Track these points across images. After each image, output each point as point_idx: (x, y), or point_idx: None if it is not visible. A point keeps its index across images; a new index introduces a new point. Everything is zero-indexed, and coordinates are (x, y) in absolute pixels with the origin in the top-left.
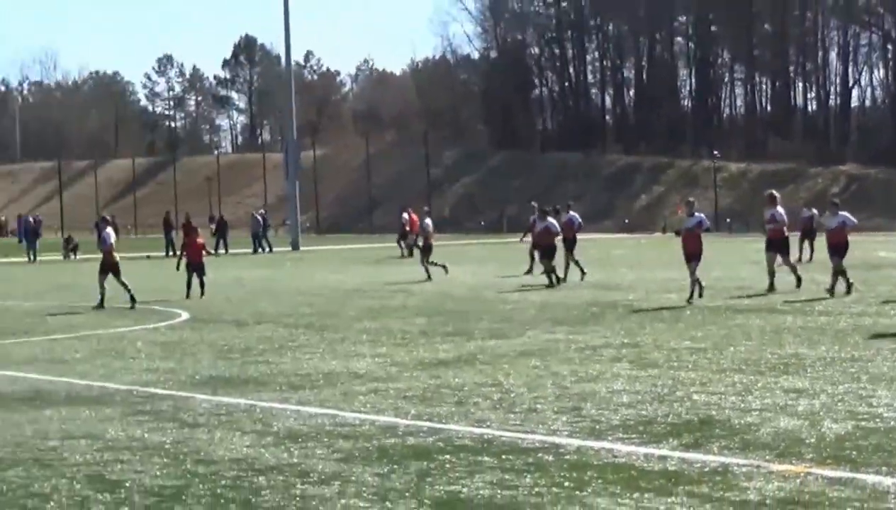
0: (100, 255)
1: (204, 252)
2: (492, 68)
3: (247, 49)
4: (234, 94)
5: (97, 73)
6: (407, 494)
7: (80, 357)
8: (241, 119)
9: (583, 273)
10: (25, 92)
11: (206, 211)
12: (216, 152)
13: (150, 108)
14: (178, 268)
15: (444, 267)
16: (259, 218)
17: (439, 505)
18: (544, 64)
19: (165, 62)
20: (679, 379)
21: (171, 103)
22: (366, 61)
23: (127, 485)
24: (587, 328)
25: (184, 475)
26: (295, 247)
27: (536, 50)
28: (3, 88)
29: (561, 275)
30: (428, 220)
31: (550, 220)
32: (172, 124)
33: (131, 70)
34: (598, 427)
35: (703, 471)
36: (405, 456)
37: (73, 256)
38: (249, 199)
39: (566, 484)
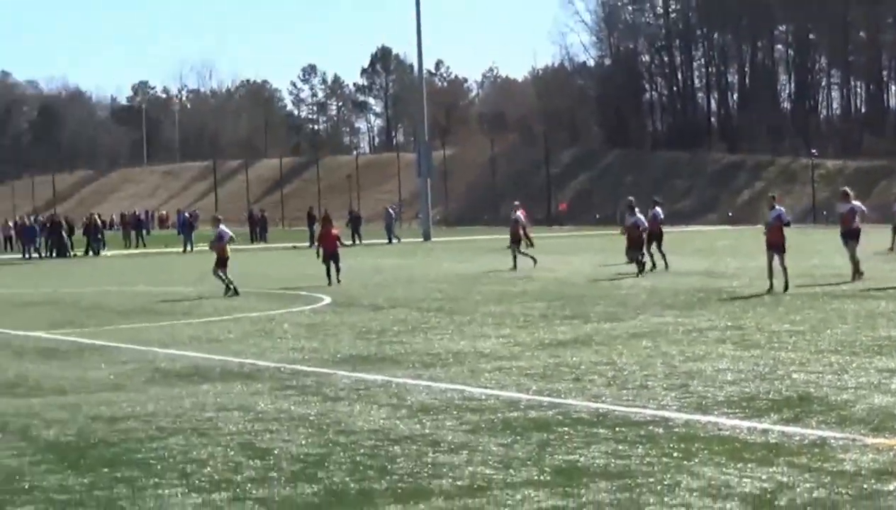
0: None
1: (338, 243)
2: (606, 74)
3: (383, 59)
4: (371, 100)
5: (248, 81)
6: (529, 462)
7: (233, 337)
8: (377, 122)
9: (666, 265)
10: (184, 99)
11: (346, 206)
12: (355, 153)
13: (296, 112)
14: (318, 256)
15: (533, 259)
16: (391, 211)
17: (558, 472)
18: (654, 70)
19: (310, 71)
20: (779, 359)
21: (315, 108)
22: (491, 69)
23: (275, 452)
24: (694, 312)
25: (326, 444)
26: (426, 237)
27: (647, 57)
28: (164, 96)
29: (648, 264)
30: (519, 213)
31: (638, 215)
32: (316, 127)
33: (279, 78)
34: (704, 402)
35: (802, 444)
36: (527, 428)
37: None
38: (385, 195)
39: (675, 454)
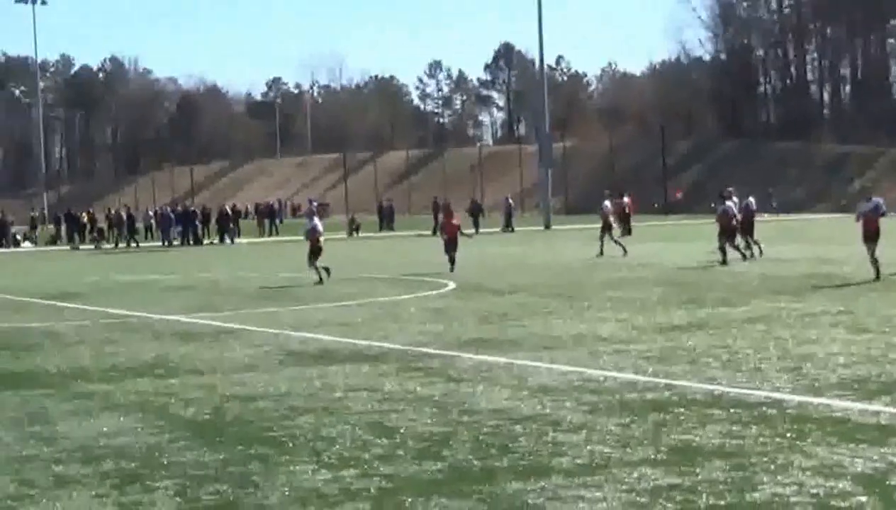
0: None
1: (459, 232)
2: (721, 68)
3: (505, 54)
4: (494, 94)
5: (376, 76)
6: (645, 442)
7: (361, 321)
8: (500, 115)
9: (760, 251)
10: (315, 93)
11: (469, 196)
12: (478, 145)
13: (422, 106)
14: (440, 238)
15: (623, 248)
16: (510, 201)
17: (674, 451)
18: (768, 64)
19: (435, 67)
20: (891, 343)
21: (440, 102)
22: (609, 64)
23: (401, 431)
24: (806, 297)
25: (450, 423)
26: (547, 226)
27: (761, 52)
28: (296, 91)
29: (746, 252)
30: (607, 202)
31: (728, 203)
32: (441, 120)
33: (406, 74)
34: (816, 385)
35: None
36: (644, 408)
37: (355, 234)
38: (507, 185)
39: (788, 435)
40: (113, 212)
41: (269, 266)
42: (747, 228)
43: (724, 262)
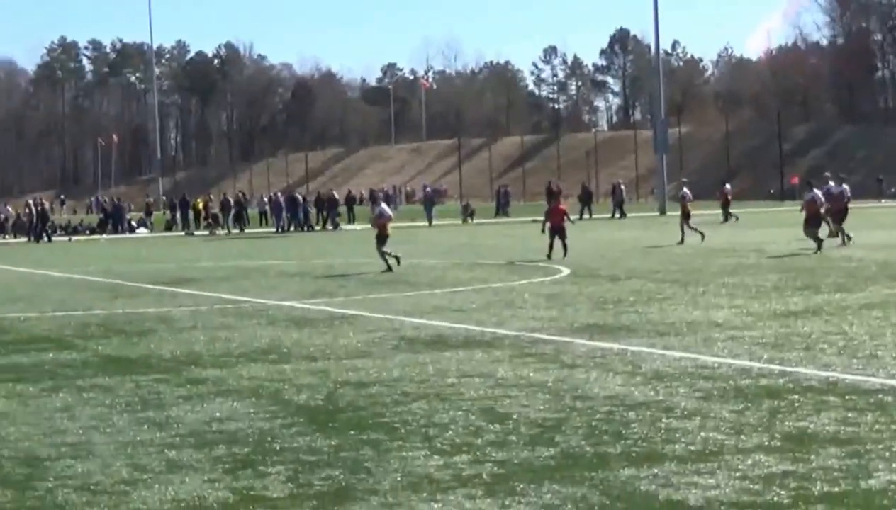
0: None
1: (565, 218)
2: (839, 53)
3: (621, 40)
4: (609, 79)
5: (492, 62)
6: (759, 428)
7: (475, 307)
8: (615, 101)
9: (849, 238)
10: (430, 79)
11: (584, 182)
12: (594, 130)
13: (537, 92)
14: (542, 231)
15: (701, 234)
16: (622, 187)
17: (788, 438)
18: (886, 48)
19: (550, 52)
20: None
21: (555, 88)
22: (725, 49)
23: (514, 417)
24: None
25: (563, 409)
26: (662, 212)
27: (879, 36)
28: (411, 77)
29: (837, 240)
30: (685, 190)
31: (816, 191)
32: (556, 106)
33: (521, 59)
34: None
35: None
36: (758, 395)
37: (470, 220)
38: (622, 171)
39: None
40: (224, 198)
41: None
42: (841, 215)
43: (818, 249)
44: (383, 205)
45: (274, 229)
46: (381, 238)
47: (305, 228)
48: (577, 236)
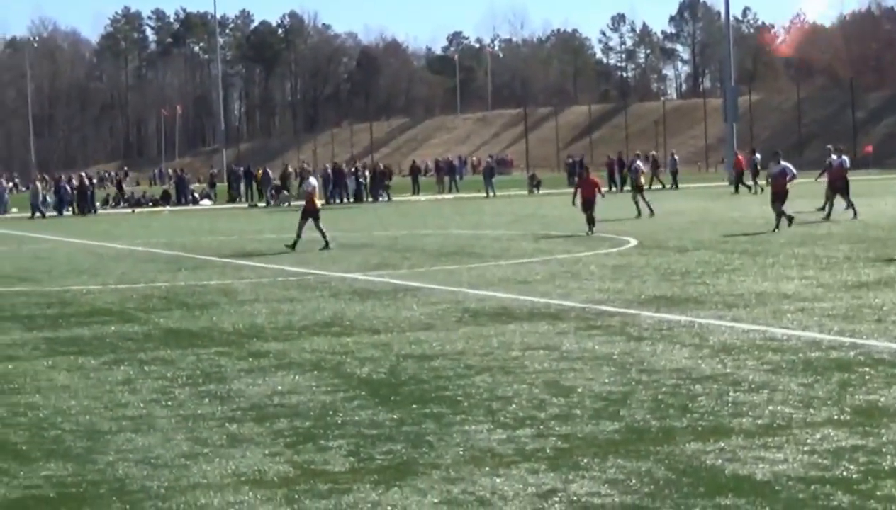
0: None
1: (598, 191)
2: None
3: (691, 6)
4: (678, 47)
5: (559, 30)
6: (829, 402)
7: (540, 278)
8: (684, 69)
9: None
10: (496, 48)
11: (652, 151)
12: (662, 99)
13: (605, 60)
14: (573, 203)
15: (651, 210)
16: (675, 158)
17: (858, 412)
18: None
19: (618, 20)
20: None
21: (623, 56)
22: (798, 15)
23: (578, 390)
24: None
25: (629, 382)
26: (731, 181)
27: None
28: (477, 45)
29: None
30: (639, 163)
31: (785, 163)
32: (624, 74)
33: (588, 27)
34: None
35: None
36: (828, 368)
37: (536, 191)
38: (692, 140)
39: None
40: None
41: (448, 223)
42: (840, 188)
43: (776, 227)
44: (312, 179)
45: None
46: (309, 213)
47: (352, 199)
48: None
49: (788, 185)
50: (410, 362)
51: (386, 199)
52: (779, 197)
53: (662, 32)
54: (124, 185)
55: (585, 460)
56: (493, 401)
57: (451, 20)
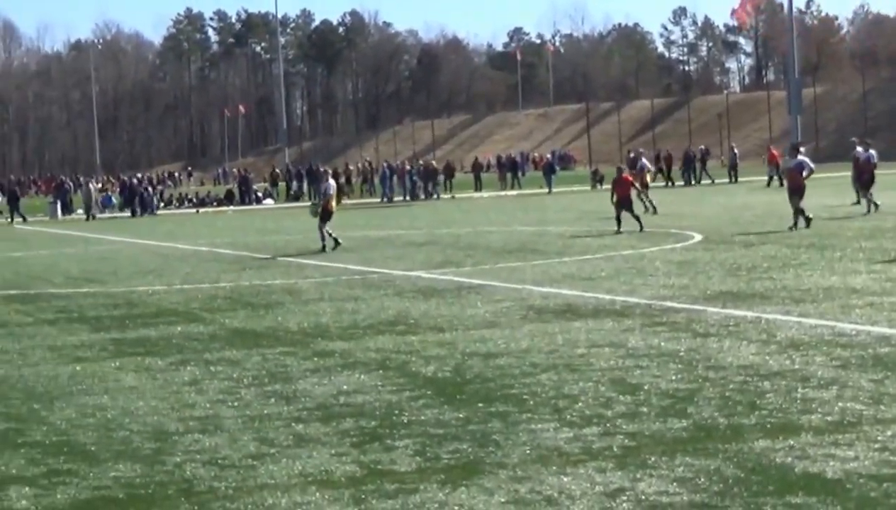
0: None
1: (633, 188)
2: None
3: None
4: (741, 40)
5: (620, 24)
6: None
7: (605, 275)
8: (747, 61)
9: (876, 206)
10: (557, 43)
11: (717, 145)
12: (725, 92)
13: (667, 54)
14: (612, 201)
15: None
16: (736, 151)
17: None
18: None
19: (680, 13)
20: None
21: (685, 49)
22: (862, 6)
23: (645, 387)
24: None
25: (696, 379)
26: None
27: None
28: (538, 41)
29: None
30: (644, 160)
31: (872, 151)
32: (686, 68)
33: (650, 21)
34: None
35: None
36: None
37: (599, 186)
38: (756, 133)
39: None
40: (346, 167)
41: (511, 220)
42: (867, 182)
43: (794, 226)
44: (331, 181)
45: (397, 198)
46: (326, 214)
47: (409, 198)
48: (714, 200)
49: (806, 181)
50: (476, 360)
51: (436, 197)
52: (796, 192)
53: (724, 25)
54: (188, 184)
55: (653, 459)
56: (559, 400)
57: (512, 16)
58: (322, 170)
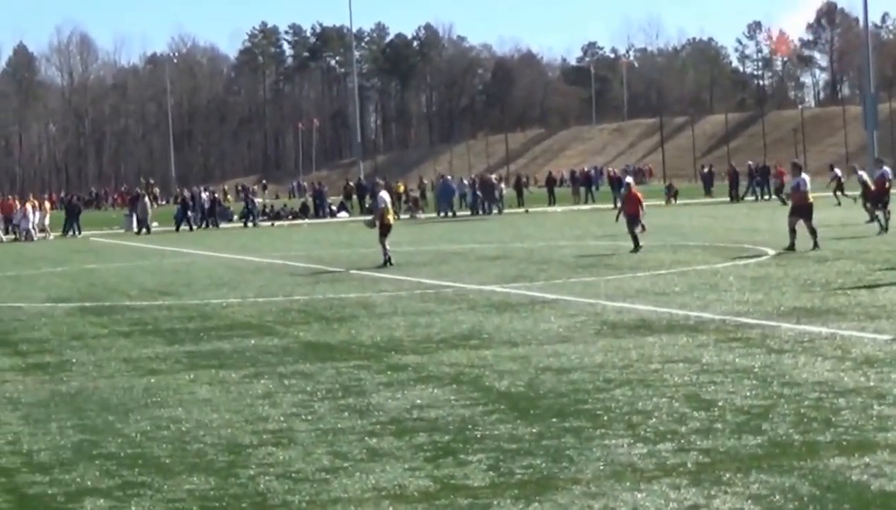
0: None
1: (640, 207)
2: None
3: (828, 13)
4: (816, 54)
5: (694, 39)
6: None
7: (678, 290)
8: (822, 76)
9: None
10: (631, 57)
11: (790, 160)
12: (800, 107)
13: (741, 68)
14: (616, 220)
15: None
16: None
17: None
18: None
19: (754, 27)
20: None
21: (760, 64)
22: None
23: (719, 404)
24: None
25: (770, 396)
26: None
27: None
28: (612, 56)
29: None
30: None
31: (886, 169)
32: (761, 82)
33: (724, 35)
34: None
35: None
36: None
37: (673, 201)
38: (831, 148)
39: None
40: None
41: (584, 234)
42: (877, 199)
43: (791, 247)
44: (383, 193)
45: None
46: (383, 228)
47: (471, 212)
48: (779, 217)
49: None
50: (549, 375)
51: (496, 211)
52: (796, 211)
53: (800, 39)
54: (261, 199)
55: (728, 475)
56: (633, 415)
57: (586, 30)
58: (377, 182)
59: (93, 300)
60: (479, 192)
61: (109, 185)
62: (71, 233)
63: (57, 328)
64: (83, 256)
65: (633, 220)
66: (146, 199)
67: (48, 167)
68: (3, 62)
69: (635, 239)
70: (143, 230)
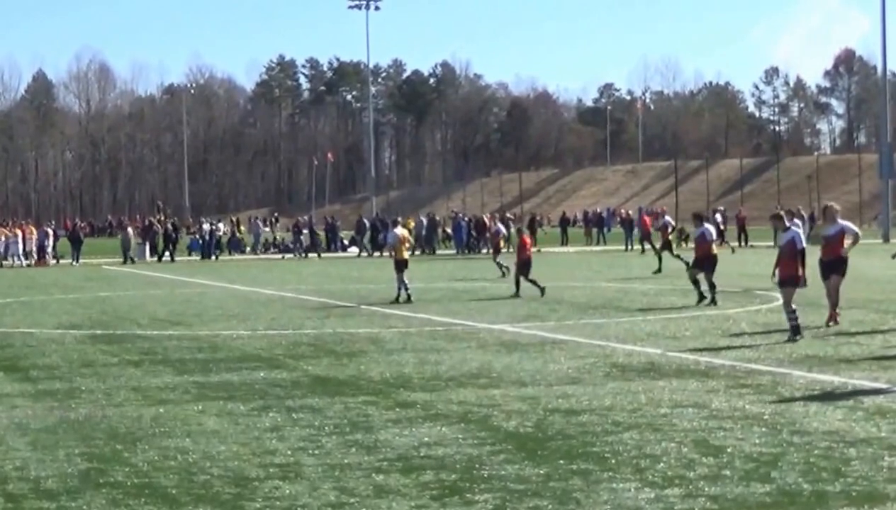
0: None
1: (528, 254)
2: None
3: (846, 60)
4: (833, 101)
5: (710, 82)
6: None
7: (689, 334)
8: (839, 123)
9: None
10: (648, 99)
11: (806, 206)
12: (816, 153)
13: (757, 113)
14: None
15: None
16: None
17: None
18: None
19: (772, 73)
20: None
21: (776, 109)
22: None
23: (728, 450)
24: None
25: (780, 444)
26: (885, 239)
27: None
28: (628, 97)
29: None
30: (667, 218)
31: (707, 226)
32: (777, 128)
33: (741, 80)
34: None
35: None
36: None
37: (684, 245)
38: (846, 195)
39: None
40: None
41: (596, 276)
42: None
43: (699, 300)
44: (398, 229)
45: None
46: (398, 264)
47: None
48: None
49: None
50: (558, 417)
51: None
52: (698, 262)
53: (817, 86)
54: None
55: None
56: (641, 459)
57: (603, 72)
58: (394, 220)
59: (104, 328)
60: (473, 232)
61: (123, 212)
62: (70, 261)
63: (67, 355)
64: (96, 284)
65: (523, 265)
66: (129, 230)
67: (63, 194)
68: (23, 88)
69: (531, 282)
70: (129, 260)
